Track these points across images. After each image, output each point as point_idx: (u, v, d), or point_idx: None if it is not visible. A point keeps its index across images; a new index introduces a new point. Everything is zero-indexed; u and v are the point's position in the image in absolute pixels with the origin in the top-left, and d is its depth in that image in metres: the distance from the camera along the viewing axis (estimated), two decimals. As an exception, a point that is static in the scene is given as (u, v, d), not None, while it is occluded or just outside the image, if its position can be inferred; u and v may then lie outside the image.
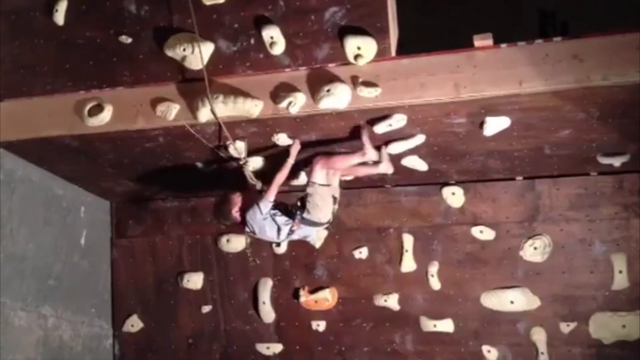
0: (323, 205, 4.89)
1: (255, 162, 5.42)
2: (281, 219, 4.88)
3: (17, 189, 5.76)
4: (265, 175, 5.16)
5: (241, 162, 5.19)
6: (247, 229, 4.95)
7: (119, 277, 7.15)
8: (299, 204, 4.94)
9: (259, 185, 5.10)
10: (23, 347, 5.73)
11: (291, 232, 4.93)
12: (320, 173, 4.93)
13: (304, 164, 5.46)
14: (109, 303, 7.09)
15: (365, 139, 4.96)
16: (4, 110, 5.41)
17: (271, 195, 4.83)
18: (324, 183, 4.92)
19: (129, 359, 7.06)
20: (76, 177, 6.39)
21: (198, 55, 4.85)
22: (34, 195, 5.99)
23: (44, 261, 6.06)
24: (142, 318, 7.05)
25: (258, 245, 6.76)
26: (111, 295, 7.12)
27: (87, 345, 6.63)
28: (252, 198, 4.91)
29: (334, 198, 5.04)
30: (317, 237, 5.24)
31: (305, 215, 4.89)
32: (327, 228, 5.28)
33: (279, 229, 4.89)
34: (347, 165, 5.07)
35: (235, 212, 4.90)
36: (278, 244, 5.03)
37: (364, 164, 5.09)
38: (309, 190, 4.90)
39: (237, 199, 4.91)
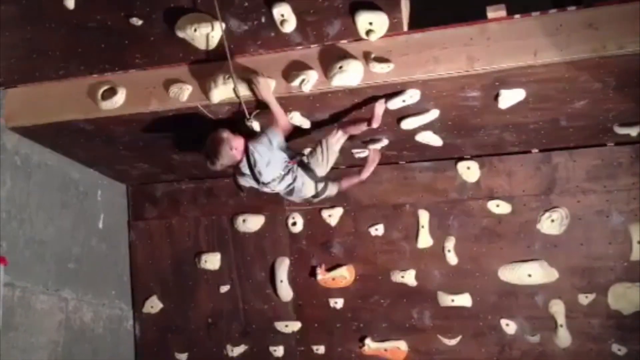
0: (324, 160, 4.92)
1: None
2: (282, 155, 4.81)
3: (33, 174, 5.80)
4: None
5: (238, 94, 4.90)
6: (245, 168, 4.78)
7: (137, 259, 7.21)
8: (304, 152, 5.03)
9: (252, 122, 4.99)
10: (45, 330, 5.80)
11: (287, 172, 4.83)
12: (341, 137, 5.01)
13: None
14: (128, 285, 7.16)
15: (378, 112, 4.89)
16: (18, 96, 5.44)
17: (280, 126, 4.79)
18: (337, 147, 5.00)
19: (150, 340, 7.15)
20: (92, 160, 6.42)
21: (210, 35, 4.83)
22: (50, 179, 6.03)
23: (63, 245, 6.12)
24: (162, 299, 7.12)
25: (273, 224, 6.80)
26: (130, 277, 7.19)
27: (108, 326, 6.71)
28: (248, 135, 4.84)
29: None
30: (304, 194, 5.08)
31: (305, 159, 4.92)
32: (313, 196, 5.15)
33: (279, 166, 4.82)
34: (357, 132, 5.12)
35: (235, 150, 4.71)
36: (266, 187, 4.85)
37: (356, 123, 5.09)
38: (323, 141, 4.95)
39: (233, 136, 4.72)
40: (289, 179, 4.91)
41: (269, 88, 4.81)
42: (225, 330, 6.94)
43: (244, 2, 4.83)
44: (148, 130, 5.56)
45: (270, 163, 4.76)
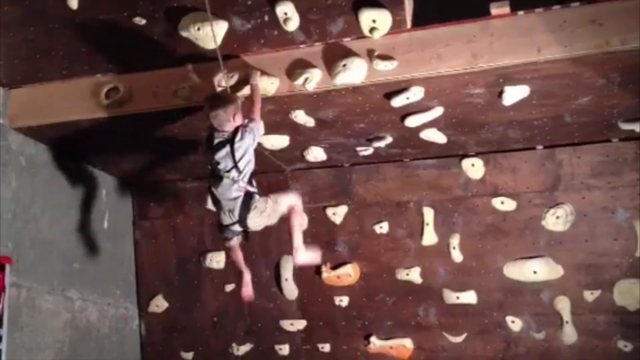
0: (265, 214, 4.68)
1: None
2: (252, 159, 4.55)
3: (38, 174, 5.81)
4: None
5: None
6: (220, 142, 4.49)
7: (142, 258, 7.23)
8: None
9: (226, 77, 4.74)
10: (51, 330, 5.82)
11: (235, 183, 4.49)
12: (287, 210, 4.81)
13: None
14: (133, 284, 7.17)
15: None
16: (22, 97, 5.46)
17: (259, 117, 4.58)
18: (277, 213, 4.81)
19: (155, 339, 7.16)
20: (96, 160, 6.44)
21: (211, 34, 4.82)
22: (55, 179, 6.05)
23: (68, 245, 6.13)
24: (167, 298, 7.13)
25: (277, 222, 6.78)
26: (135, 277, 7.20)
27: (113, 326, 6.72)
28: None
29: None
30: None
31: (255, 196, 4.60)
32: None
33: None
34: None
35: (233, 120, 4.44)
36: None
37: None
38: (272, 197, 4.75)
39: (241, 111, 4.48)
40: (235, 189, 4.50)
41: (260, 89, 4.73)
42: (231, 328, 6.94)
43: (247, 0, 4.82)
44: (152, 130, 5.57)
45: (244, 156, 4.46)
